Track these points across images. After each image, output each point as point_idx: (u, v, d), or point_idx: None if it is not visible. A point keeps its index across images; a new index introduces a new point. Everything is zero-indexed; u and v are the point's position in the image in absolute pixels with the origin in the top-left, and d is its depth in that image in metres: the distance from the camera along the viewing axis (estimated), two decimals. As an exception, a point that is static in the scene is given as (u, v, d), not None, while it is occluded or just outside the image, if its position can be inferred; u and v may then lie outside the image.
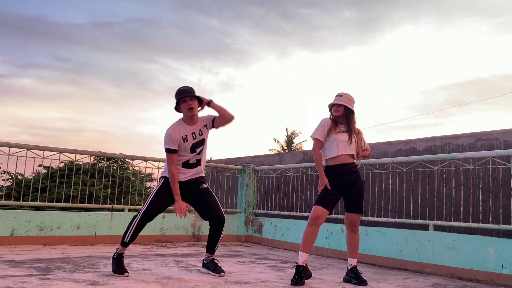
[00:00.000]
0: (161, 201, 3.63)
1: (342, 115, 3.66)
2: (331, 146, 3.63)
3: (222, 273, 3.64)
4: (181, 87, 3.63)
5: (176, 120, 3.69)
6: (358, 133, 3.75)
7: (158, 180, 3.83)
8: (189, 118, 3.63)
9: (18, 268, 3.47)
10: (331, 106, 3.72)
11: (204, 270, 3.79)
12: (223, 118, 3.70)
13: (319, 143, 3.68)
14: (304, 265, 3.46)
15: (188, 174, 3.69)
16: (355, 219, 3.69)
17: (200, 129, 3.68)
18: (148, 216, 3.53)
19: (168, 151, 3.58)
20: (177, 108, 3.65)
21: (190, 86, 3.63)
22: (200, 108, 3.66)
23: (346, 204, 3.70)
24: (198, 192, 3.72)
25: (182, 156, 3.65)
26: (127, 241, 3.52)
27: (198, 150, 3.68)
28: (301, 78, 62.36)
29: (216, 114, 3.71)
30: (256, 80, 63.62)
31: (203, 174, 3.84)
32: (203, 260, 3.86)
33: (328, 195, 3.58)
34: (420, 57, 55.44)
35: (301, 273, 3.41)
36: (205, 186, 3.78)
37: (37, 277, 3.16)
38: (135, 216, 3.55)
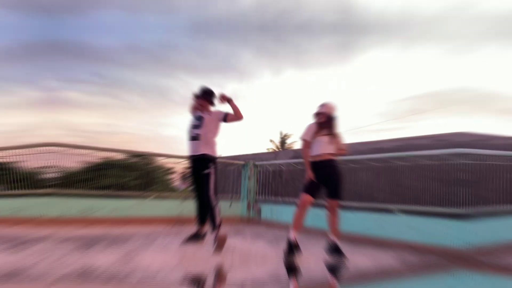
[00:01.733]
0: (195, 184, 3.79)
1: (324, 121, 3.71)
2: (316, 146, 3.67)
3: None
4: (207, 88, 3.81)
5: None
6: (337, 136, 3.79)
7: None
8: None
9: (66, 243, 3.50)
10: (316, 114, 3.76)
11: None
12: (235, 116, 3.72)
13: (306, 143, 3.72)
14: (295, 240, 3.48)
15: (190, 147, 3.70)
16: (334, 204, 3.71)
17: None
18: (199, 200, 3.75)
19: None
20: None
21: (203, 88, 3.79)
22: (221, 102, 3.67)
23: (327, 192, 3.72)
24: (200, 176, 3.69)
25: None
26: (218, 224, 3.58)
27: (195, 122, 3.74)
28: (292, 91, 62.23)
29: (230, 111, 3.71)
30: (256, 92, 63.50)
31: (205, 152, 3.68)
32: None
33: (312, 185, 3.61)
34: (388, 73, 55.26)
35: (292, 247, 3.43)
36: (207, 171, 3.65)
37: (80, 250, 3.19)
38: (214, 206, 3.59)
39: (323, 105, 3.73)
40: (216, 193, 3.64)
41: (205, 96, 3.79)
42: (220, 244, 3.52)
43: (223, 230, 3.63)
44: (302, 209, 3.57)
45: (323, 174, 3.63)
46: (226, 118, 3.76)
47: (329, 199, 3.72)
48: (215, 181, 3.66)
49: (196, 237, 3.77)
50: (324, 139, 3.65)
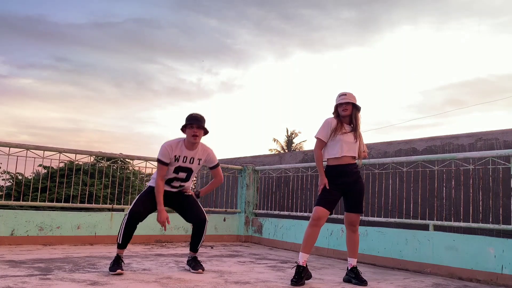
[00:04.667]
0: (146, 202, 3.72)
1: (350, 114, 3.64)
2: (335, 146, 3.60)
3: (200, 270, 3.76)
4: (194, 114, 3.76)
5: (178, 138, 3.81)
6: (360, 134, 3.75)
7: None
8: (190, 143, 3.74)
9: (18, 268, 3.47)
10: (337, 106, 3.69)
11: (186, 267, 3.92)
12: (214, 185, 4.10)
13: (321, 143, 3.68)
14: (305, 265, 3.46)
15: (170, 190, 3.86)
16: (355, 219, 3.69)
17: (193, 158, 3.79)
18: (136, 215, 3.60)
19: (160, 162, 3.70)
20: (183, 130, 3.76)
21: (202, 116, 3.77)
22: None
23: (346, 204, 3.69)
24: (181, 198, 3.90)
25: (169, 172, 3.75)
26: (120, 242, 3.60)
27: (180, 174, 3.79)
28: (301, 78, 62.38)
29: (215, 163, 3.97)
30: (255, 80, 63.63)
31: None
32: (187, 257, 3.98)
33: (329, 196, 3.57)
34: (419, 57, 55.47)
35: (301, 274, 3.40)
36: (189, 193, 3.94)
37: (37, 277, 3.15)
38: (124, 217, 3.65)
39: (344, 95, 3.67)
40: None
41: (205, 129, 3.77)
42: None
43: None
44: (314, 227, 3.52)
45: (341, 181, 3.59)
46: (211, 168, 4.02)
47: (348, 212, 3.68)
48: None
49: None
50: (346, 139, 3.59)
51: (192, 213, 3.84)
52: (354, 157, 3.66)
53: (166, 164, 3.70)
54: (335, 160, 3.63)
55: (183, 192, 3.92)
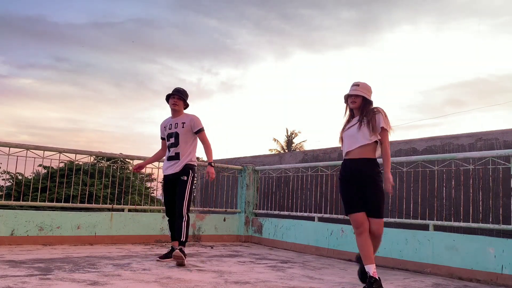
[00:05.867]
0: (165, 197, 4.49)
1: (359, 107, 3.37)
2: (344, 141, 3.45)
3: (168, 259, 4.27)
4: (177, 87, 4.48)
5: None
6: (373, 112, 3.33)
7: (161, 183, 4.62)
8: (173, 112, 4.47)
9: (18, 268, 3.47)
10: (347, 97, 3.43)
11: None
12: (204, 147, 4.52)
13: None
14: (376, 277, 3.11)
15: (168, 165, 4.38)
16: (371, 223, 3.29)
17: (176, 123, 4.40)
18: (167, 212, 4.49)
19: (161, 138, 4.60)
20: (167, 100, 4.46)
21: (185, 89, 4.49)
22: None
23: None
24: (176, 185, 4.33)
25: (166, 143, 4.48)
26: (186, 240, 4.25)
27: (171, 140, 4.36)
28: (301, 78, 62.35)
29: (199, 127, 4.41)
30: (255, 80, 63.61)
31: (184, 165, 4.35)
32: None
33: (347, 197, 3.32)
34: (419, 57, 55.45)
35: (373, 285, 3.06)
36: (184, 178, 4.31)
37: (37, 277, 3.15)
38: (186, 220, 4.25)
39: (357, 85, 3.38)
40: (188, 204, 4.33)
41: (184, 100, 4.47)
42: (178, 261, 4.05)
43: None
44: (359, 235, 3.22)
45: (350, 177, 3.35)
46: (196, 133, 4.44)
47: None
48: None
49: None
50: (350, 132, 3.37)
51: (175, 205, 4.31)
52: (366, 153, 3.28)
53: (162, 139, 4.56)
54: (345, 155, 3.41)
55: (179, 177, 4.30)
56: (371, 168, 3.29)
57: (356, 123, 3.35)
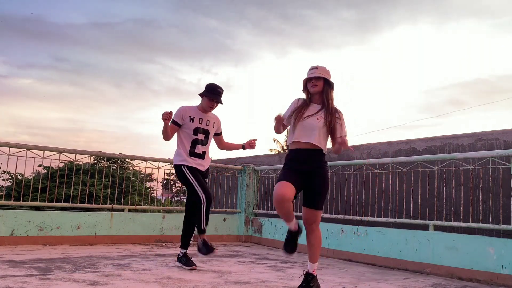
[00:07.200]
0: (199, 181, 4.01)
1: (321, 90, 3.13)
2: (293, 130, 3.18)
3: (194, 266, 3.99)
4: (218, 88, 4.21)
5: (191, 105, 4.24)
6: (336, 112, 3.16)
7: (179, 172, 4.09)
8: (204, 109, 4.19)
9: (18, 268, 3.47)
10: (306, 82, 3.17)
11: (177, 264, 4.10)
12: (224, 147, 4.46)
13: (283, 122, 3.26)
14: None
15: (193, 162, 4.09)
16: (309, 216, 3.36)
17: (208, 120, 4.21)
18: (210, 199, 4.00)
19: (172, 122, 4.03)
20: (202, 96, 4.18)
21: (223, 90, 4.26)
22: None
23: (303, 197, 3.40)
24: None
25: (187, 135, 4.07)
26: (205, 227, 3.98)
27: (200, 136, 4.12)
28: (301, 78, 62.26)
29: (221, 130, 4.40)
30: (255, 80, 63.64)
31: (207, 168, 4.25)
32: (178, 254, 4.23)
33: (288, 172, 3.28)
34: (419, 57, 55.50)
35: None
36: (206, 181, 4.24)
37: (37, 277, 3.15)
38: (198, 208, 3.93)
39: (315, 68, 3.15)
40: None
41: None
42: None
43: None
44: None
45: (297, 167, 3.19)
46: (217, 134, 4.38)
47: (304, 207, 3.38)
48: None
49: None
50: (307, 122, 3.10)
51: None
52: (316, 144, 3.09)
53: (176, 124, 4.06)
54: (292, 144, 3.19)
55: (205, 176, 4.19)
56: (319, 159, 3.17)
57: (316, 114, 3.10)
